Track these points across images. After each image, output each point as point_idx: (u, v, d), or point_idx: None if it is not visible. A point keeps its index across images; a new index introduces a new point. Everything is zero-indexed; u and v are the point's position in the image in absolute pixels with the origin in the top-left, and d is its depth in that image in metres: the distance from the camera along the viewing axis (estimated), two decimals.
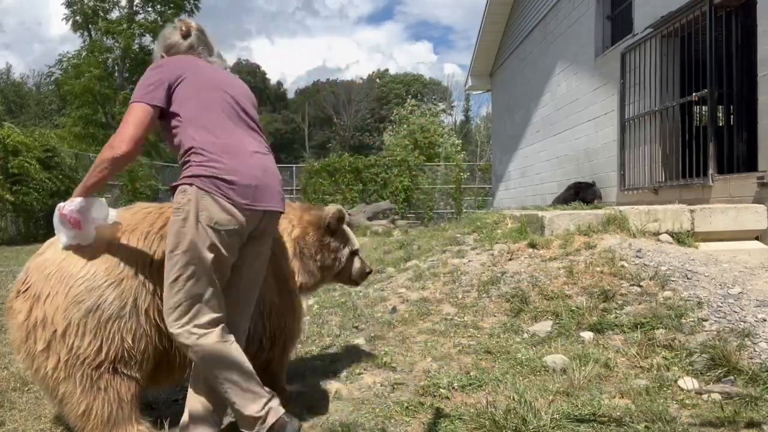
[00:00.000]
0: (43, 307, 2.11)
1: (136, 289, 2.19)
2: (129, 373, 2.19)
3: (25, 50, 63.76)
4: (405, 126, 30.01)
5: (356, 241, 2.99)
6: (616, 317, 3.57)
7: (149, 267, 2.25)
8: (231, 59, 49.63)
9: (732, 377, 2.75)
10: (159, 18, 26.94)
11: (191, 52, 2.34)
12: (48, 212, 13.71)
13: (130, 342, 2.16)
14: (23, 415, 2.66)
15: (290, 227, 2.75)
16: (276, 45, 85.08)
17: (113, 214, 2.22)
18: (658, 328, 3.32)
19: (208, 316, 2.10)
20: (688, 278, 3.88)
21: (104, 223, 2.19)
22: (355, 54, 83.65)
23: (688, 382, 2.72)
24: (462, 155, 27.92)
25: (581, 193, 8.20)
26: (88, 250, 2.14)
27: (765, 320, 3.23)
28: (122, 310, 2.16)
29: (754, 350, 2.95)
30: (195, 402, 2.21)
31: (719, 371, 2.79)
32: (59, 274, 2.13)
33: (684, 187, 6.54)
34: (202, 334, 2.08)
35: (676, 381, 2.77)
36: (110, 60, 26.23)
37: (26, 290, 2.15)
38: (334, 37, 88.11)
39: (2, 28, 66.03)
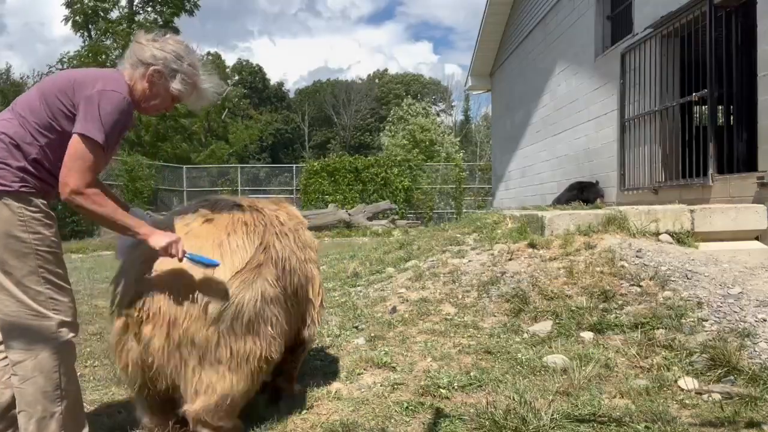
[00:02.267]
0: (184, 331, 2.07)
1: (260, 282, 2.23)
2: (275, 359, 2.33)
3: (29, 51, 63.56)
4: (403, 126, 30.06)
5: None
6: (616, 317, 3.57)
7: (263, 256, 2.29)
8: (232, 59, 49.66)
9: (732, 377, 2.75)
10: (159, 18, 26.94)
11: None
12: None
13: (272, 332, 2.26)
14: None
15: (316, 242, 2.88)
16: (278, 46, 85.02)
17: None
18: (658, 328, 3.32)
19: None
20: (688, 278, 3.88)
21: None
22: (356, 54, 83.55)
23: (688, 382, 2.73)
24: (461, 155, 27.97)
25: (584, 193, 8.20)
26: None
27: (765, 320, 3.23)
28: (258, 305, 2.20)
29: (754, 350, 2.95)
30: None
31: (719, 371, 2.79)
32: (185, 291, 2.08)
33: (684, 187, 6.54)
34: None
35: (676, 381, 2.77)
36: (110, 61, 26.23)
37: (149, 316, 2.07)
38: (336, 38, 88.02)
39: (6, 29, 65.98)
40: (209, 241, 2.20)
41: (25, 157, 1.97)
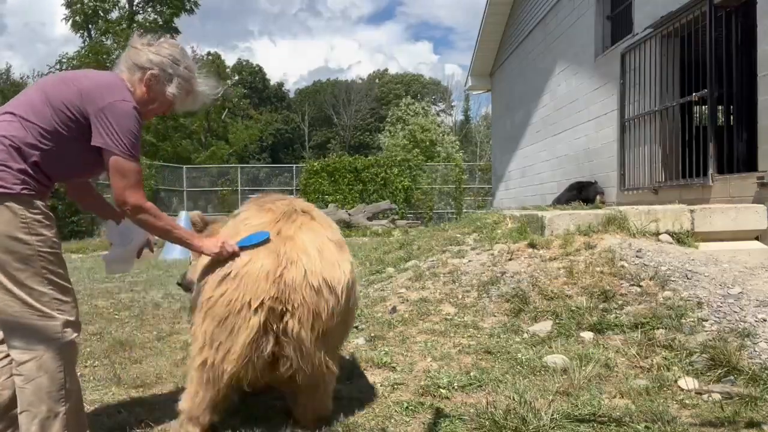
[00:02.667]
0: (325, 321, 2.18)
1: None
2: None
3: (29, 51, 63.56)
4: (401, 126, 30.05)
5: None
6: (616, 317, 3.57)
7: None
8: (232, 59, 49.67)
9: (732, 377, 2.75)
10: (159, 18, 26.94)
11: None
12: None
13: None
14: None
15: None
16: (278, 46, 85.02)
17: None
18: (658, 328, 3.32)
19: None
20: (688, 278, 3.88)
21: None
22: (357, 54, 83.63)
23: (688, 382, 2.73)
24: (460, 154, 27.94)
25: (583, 192, 8.20)
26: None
27: (765, 320, 3.23)
28: (358, 291, 2.49)
29: (754, 350, 2.95)
30: None
31: (719, 371, 2.79)
32: (324, 284, 2.18)
33: (684, 187, 6.54)
34: None
35: (676, 381, 2.77)
36: (110, 61, 26.24)
37: (294, 307, 2.13)
38: (336, 38, 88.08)
39: (7, 29, 66.02)
40: (321, 236, 2.30)
41: (25, 160, 1.99)
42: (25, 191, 1.97)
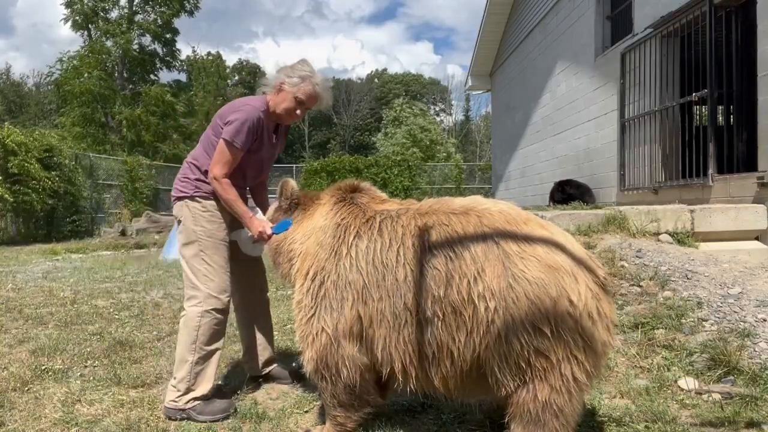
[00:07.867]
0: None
1: None
2: None
3: (35, 52, 63.57)
4: (400, 126, 29.98)
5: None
6: (616, 317, 3.57)
7: None
8: (232, 60, 49.63)
9: (732, 377, 2.75)
10: (159, 18, 26.90)
11: None
12: (48, 212, 13.71)
13: None
14: (23, 415, 2.66)
15: None
16: (282, 47, 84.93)
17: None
18: (658, 328, 3.33)
19: None
20: (688, 278, 3.88)
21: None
22: (359, 55, 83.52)
23: (689, 382, 2.73)
24: (458, 155, 27.91)
25: (556, 195, 8.24)
26: None
27: (765, 320, 3.23)
28: None
29: (754, 350, 2.95)
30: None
31: (719, 371, 2.80)
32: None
33: (684, 187, 6.54)
34: None
35: (676, 381, 2.77)
36: (110, 61, 26.19)
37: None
38: (339, 39, 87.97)
39: (15, 31, 66.13)
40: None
41: (200, 171, 2.71)
42: (196, 194, 2.70)
